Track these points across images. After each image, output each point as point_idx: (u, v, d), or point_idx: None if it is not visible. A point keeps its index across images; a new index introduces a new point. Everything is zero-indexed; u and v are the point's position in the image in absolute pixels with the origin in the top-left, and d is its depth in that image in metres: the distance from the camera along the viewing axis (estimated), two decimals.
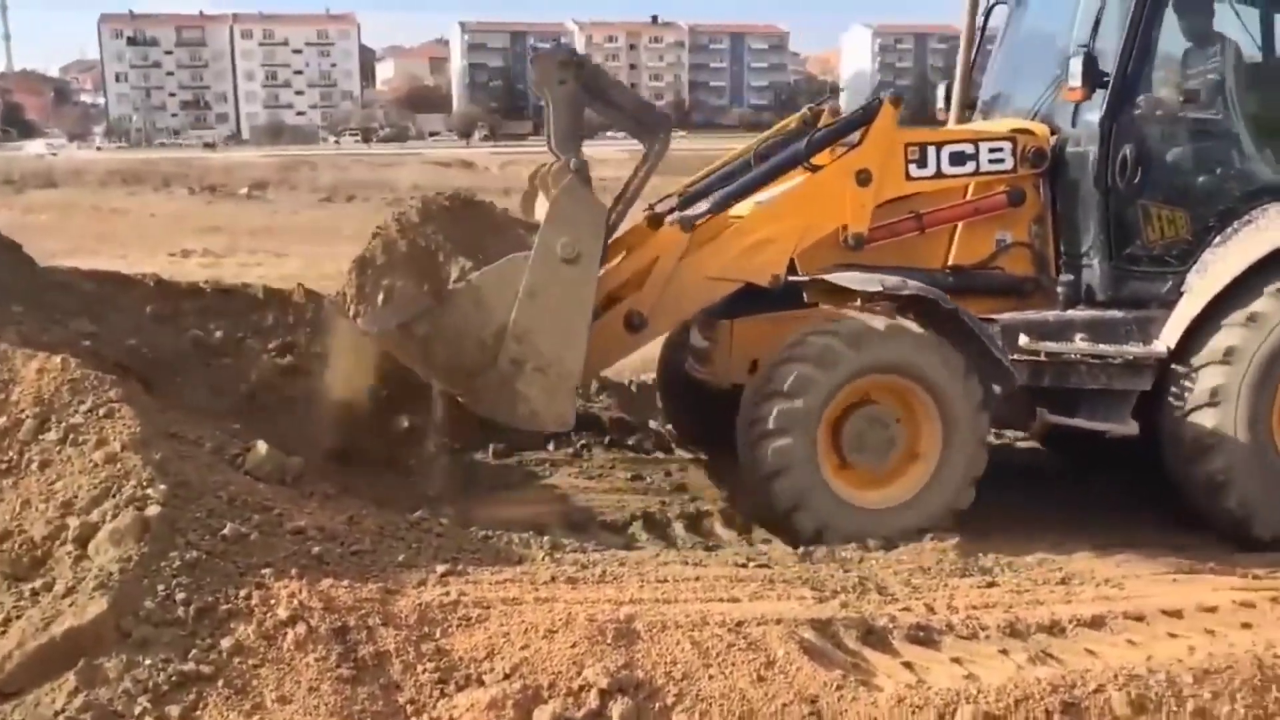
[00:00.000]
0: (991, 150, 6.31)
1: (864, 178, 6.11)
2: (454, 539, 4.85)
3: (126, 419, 4.59)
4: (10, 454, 4.40)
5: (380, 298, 5.39)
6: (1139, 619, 4.79)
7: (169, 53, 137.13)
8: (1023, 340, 6.04)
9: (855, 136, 6.30)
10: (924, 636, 4.38)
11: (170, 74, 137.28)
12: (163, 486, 4.23)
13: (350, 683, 3.69)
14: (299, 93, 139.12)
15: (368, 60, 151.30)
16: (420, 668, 3.79)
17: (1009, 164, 6.33)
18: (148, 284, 7.36)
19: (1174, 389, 6.04)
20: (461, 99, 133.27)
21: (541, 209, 6.38)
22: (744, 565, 5.16)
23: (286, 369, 7.12)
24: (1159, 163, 6.20)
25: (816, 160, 6.28)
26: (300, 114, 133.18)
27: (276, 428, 6.28)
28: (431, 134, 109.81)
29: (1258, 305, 5.89)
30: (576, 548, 5.11)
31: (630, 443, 7.63)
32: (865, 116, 6.24)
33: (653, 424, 7.99)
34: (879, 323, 5.77)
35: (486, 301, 5.44)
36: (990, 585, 5.20)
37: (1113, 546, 5.82)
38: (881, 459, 5.81)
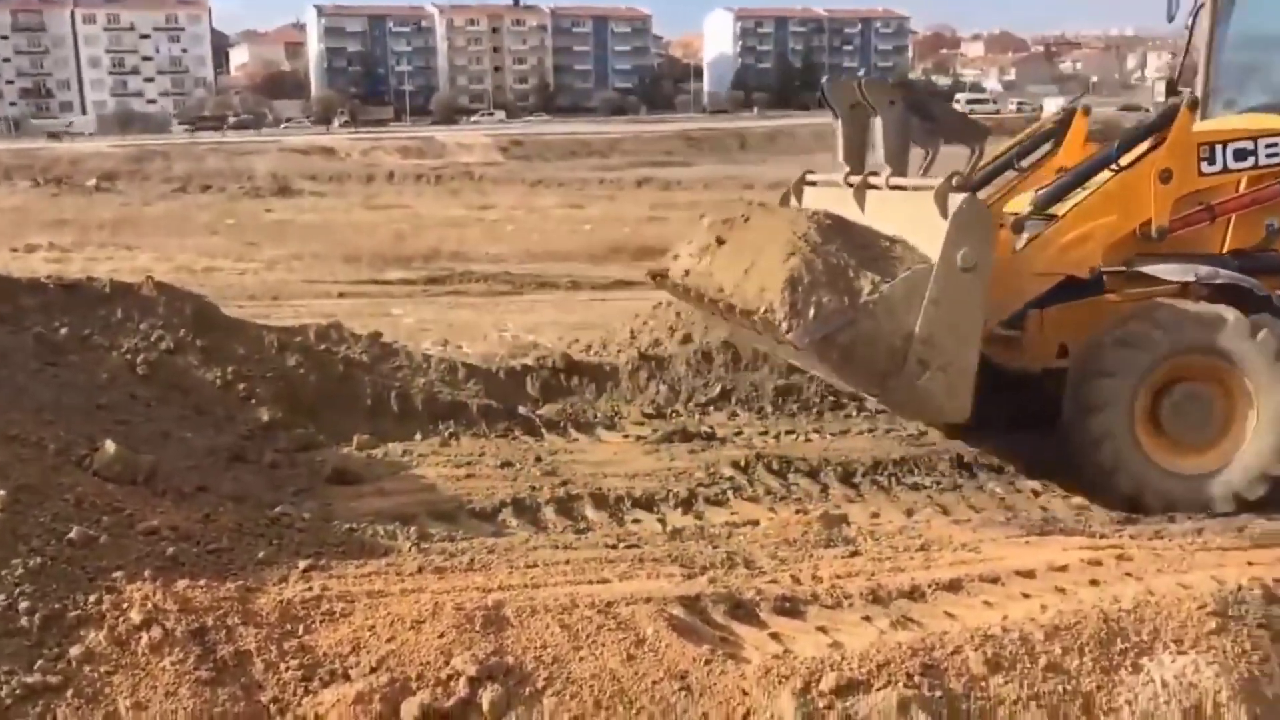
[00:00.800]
0: (1268, 146, 6.97)
1: (1166, 176, 6.73)
2: (316, 533, 4.75)
3: None
4: None
5: (810, 313, 5.75)
6: (994, 581, 4.96)
7: (4, 38, 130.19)
8: None
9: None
10: (790, 607, 4.45)
11: (7, 60, 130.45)
12: (1, 492, 4.04)
13: (210, 685, 3.59)
14: (149, 80, 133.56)
15: (220, 45, 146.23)
16: (283, 665, 3.70)
17: None
18: None
19: None
20: (319, 84, 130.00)
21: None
22: (614, 546, 5.18)
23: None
24: None
25: (1122, 161, 6.80)
26: (151, 102, 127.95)
27: (129, 426, 6.08)
28: (288, 120, 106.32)
29: None
30: (444, 537, 5.06)
31: (500, 429, 7.58)
32: (1165, 120, 6.82)
33: (521, 409, 7.95)
34: (1196, 309, 6.41)
35: (896, 310, 5.87)
36: (854, 555, 5.32)
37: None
38: (1195, 432, 6.41)
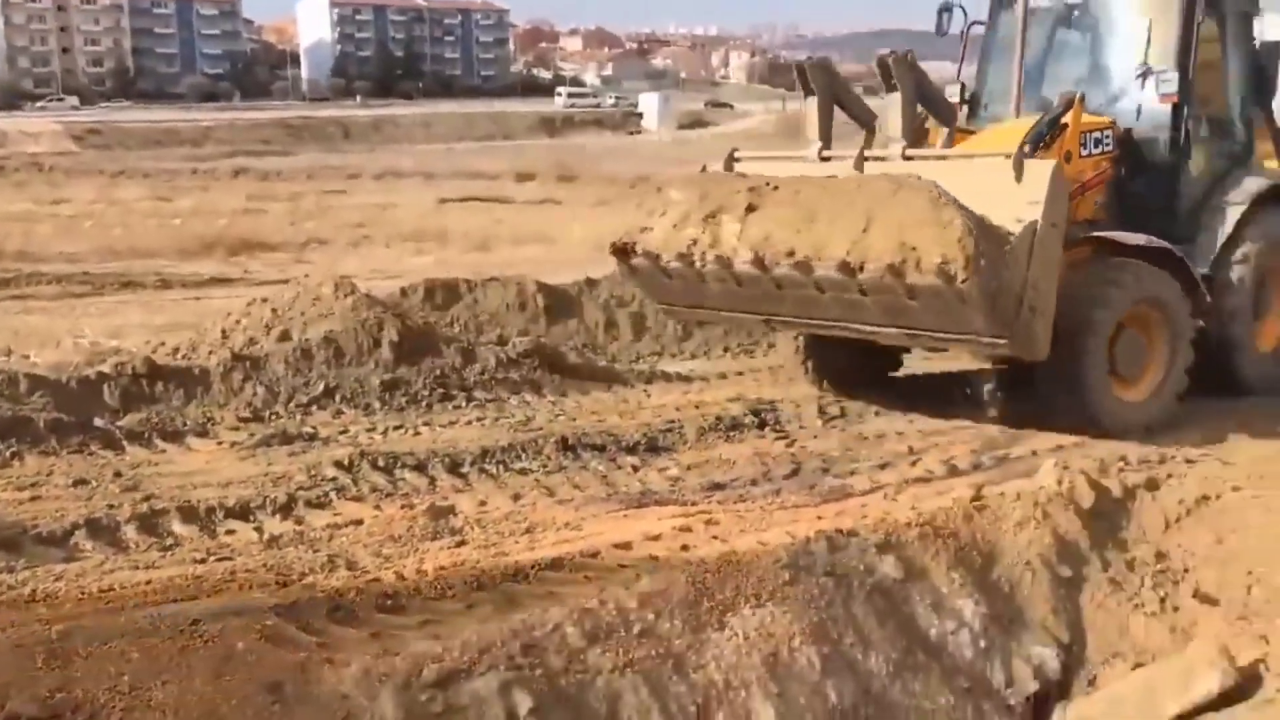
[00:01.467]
0: (1107, 136, 8.42)
1: (1069, 156, 7.99)
2: None
3: None
4: None
5: (982, 263, 6.36)
6: (594, 556, 5.14)
7: None
8: None
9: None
10: (392, 604, 4.38)
11: None
12: None
13: None
14: None
15: None
16: None
17: (1112, 146, 8.45)
18: None
19: None
20: None
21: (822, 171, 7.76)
22: (203, 561, 4.89)
23: None
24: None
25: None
26: None
27: None
28: None
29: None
30: (2, 568, 4.55)
31: (73, 444, 6.91)
32: (1066, 108, 8.00)
33: (99, 422, 7.29)
34: (1153, 268, 7.92)
35: (1020, 260, 6.73)
36: (460, 544, 5.35)
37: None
38: (1134, 368, 7.87)
